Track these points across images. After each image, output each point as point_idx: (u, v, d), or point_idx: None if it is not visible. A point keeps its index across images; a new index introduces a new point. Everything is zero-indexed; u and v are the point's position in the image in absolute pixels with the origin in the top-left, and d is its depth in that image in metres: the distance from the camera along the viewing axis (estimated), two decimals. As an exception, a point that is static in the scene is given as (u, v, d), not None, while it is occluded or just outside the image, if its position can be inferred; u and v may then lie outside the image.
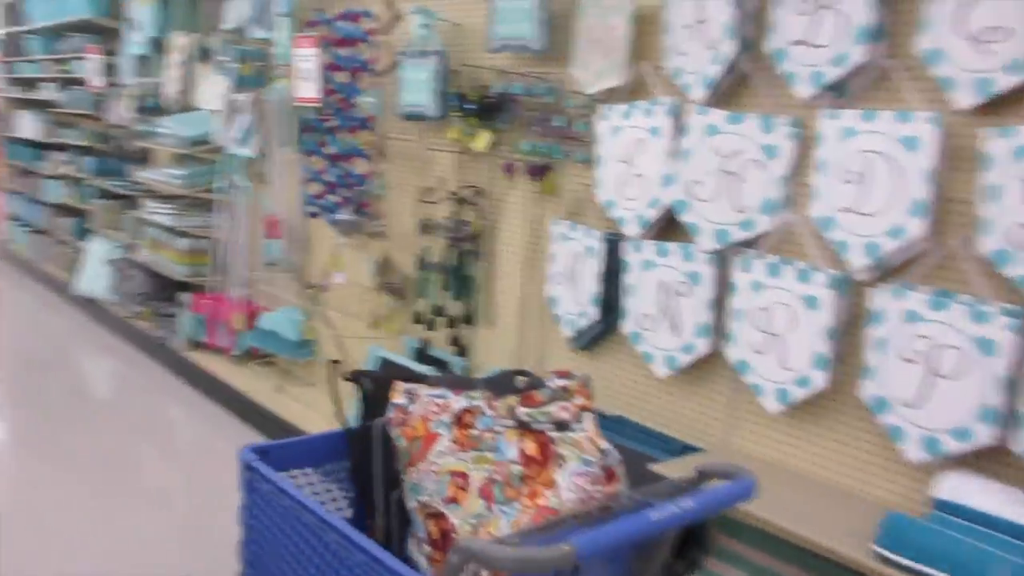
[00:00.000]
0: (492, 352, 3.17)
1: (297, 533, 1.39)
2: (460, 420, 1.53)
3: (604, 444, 1.57)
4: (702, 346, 2.36)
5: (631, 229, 2.53)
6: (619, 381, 2.70)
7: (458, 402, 1.54)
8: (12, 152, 7.64)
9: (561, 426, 1.53)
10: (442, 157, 3.26)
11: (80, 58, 5.98)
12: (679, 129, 2.40)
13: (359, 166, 3.61)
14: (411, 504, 1.57)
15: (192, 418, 4.30)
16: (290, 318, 4.08)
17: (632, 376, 2.66)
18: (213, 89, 4.62)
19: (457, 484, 1.49)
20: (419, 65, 3.15)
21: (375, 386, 1.58)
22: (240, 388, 4.17)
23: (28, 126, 7.11)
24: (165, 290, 5.01)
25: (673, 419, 2.55)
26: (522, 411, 1.53)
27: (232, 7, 4.38)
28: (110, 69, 5.72)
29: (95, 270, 5.72)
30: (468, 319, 3.19)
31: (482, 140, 2.95)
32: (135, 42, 5.38)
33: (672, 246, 2.42)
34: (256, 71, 4.30)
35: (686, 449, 2.41)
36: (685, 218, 2.38)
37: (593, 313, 2.64)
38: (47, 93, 6.68)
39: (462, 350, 3.24)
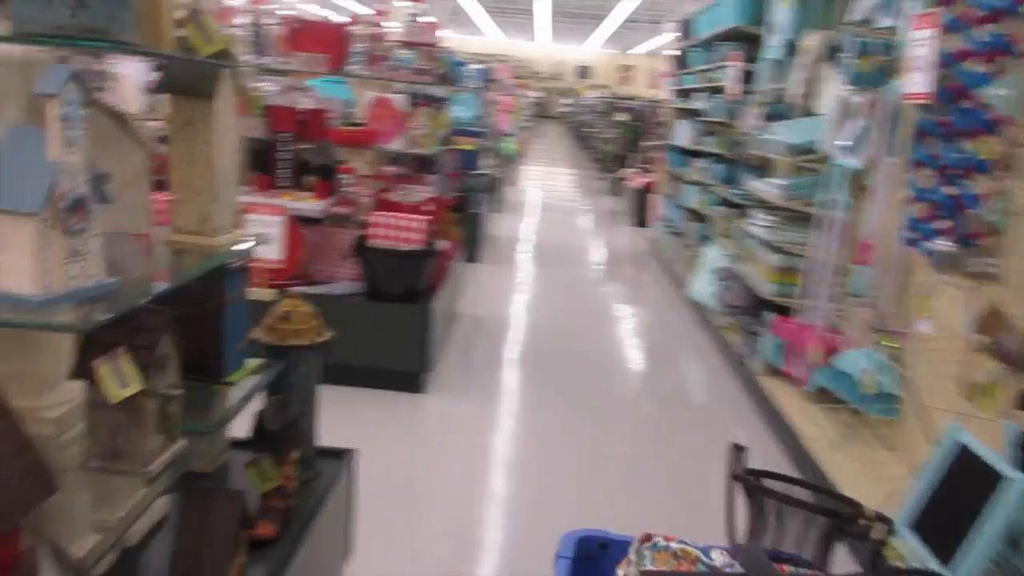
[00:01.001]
0: None
1: None
2: None
3: None
4: None
5: None
6: None
7: None
8: (670, 159, 8.27)
9: None
10: (1101, 174, 2.20)
11: (725, 66, 6.03)
12: None
13: (977, 183, 2.71)
14: None
15: (751, 453, 3.93)
16: (868, 363, 3.36)
17: None
18: (832, 90, 4.09)
19: None
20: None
21: (768, 500, 0.98)
22: (800, 431, 3.62)
23: (683, 134, 7.57)
24: (756, 306, 4.70)
25: None
26: None
27: (864, -6, 3.78)
28: (748, 76, 5.63)
29: (704, 276, 5.75)
30: (1108, 420, 2.10)
31: None
32: (772, 46, 5.16)
33: None
34: (877, 66, 3.63)
35: None
36: None
37: None
38: (698, 102, 6.97)
39: (1089, 463, 2.15)
